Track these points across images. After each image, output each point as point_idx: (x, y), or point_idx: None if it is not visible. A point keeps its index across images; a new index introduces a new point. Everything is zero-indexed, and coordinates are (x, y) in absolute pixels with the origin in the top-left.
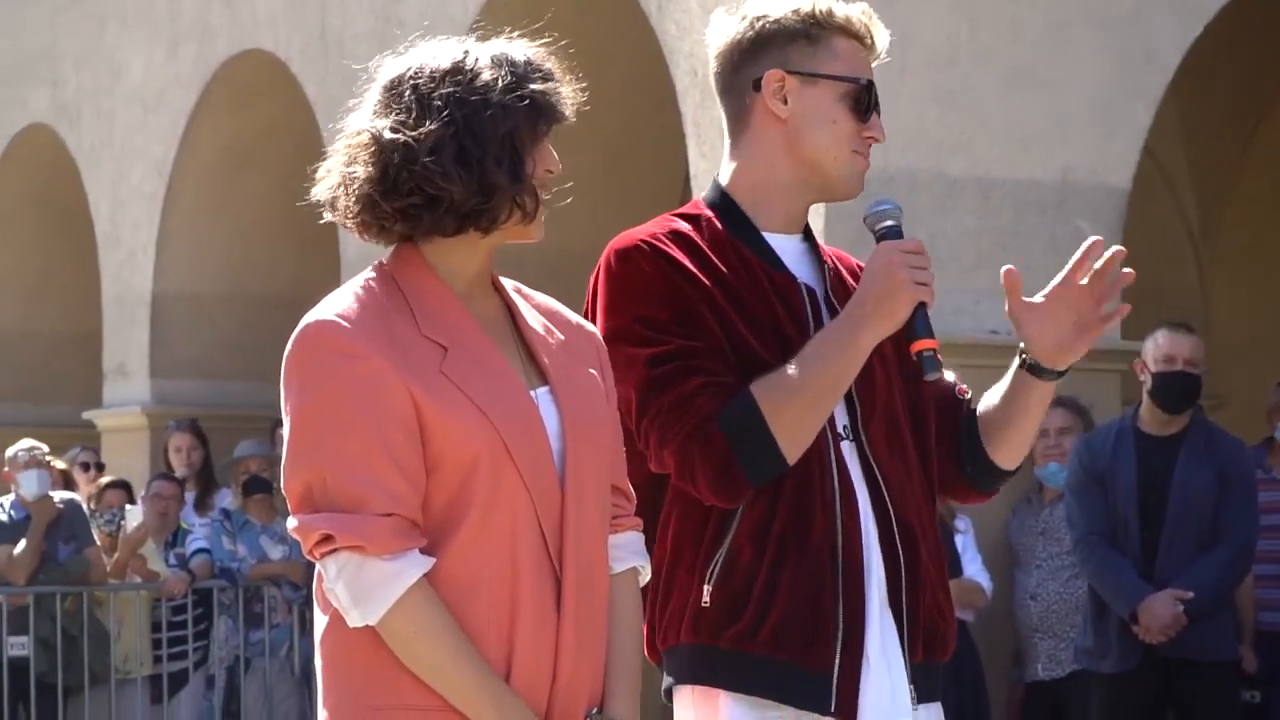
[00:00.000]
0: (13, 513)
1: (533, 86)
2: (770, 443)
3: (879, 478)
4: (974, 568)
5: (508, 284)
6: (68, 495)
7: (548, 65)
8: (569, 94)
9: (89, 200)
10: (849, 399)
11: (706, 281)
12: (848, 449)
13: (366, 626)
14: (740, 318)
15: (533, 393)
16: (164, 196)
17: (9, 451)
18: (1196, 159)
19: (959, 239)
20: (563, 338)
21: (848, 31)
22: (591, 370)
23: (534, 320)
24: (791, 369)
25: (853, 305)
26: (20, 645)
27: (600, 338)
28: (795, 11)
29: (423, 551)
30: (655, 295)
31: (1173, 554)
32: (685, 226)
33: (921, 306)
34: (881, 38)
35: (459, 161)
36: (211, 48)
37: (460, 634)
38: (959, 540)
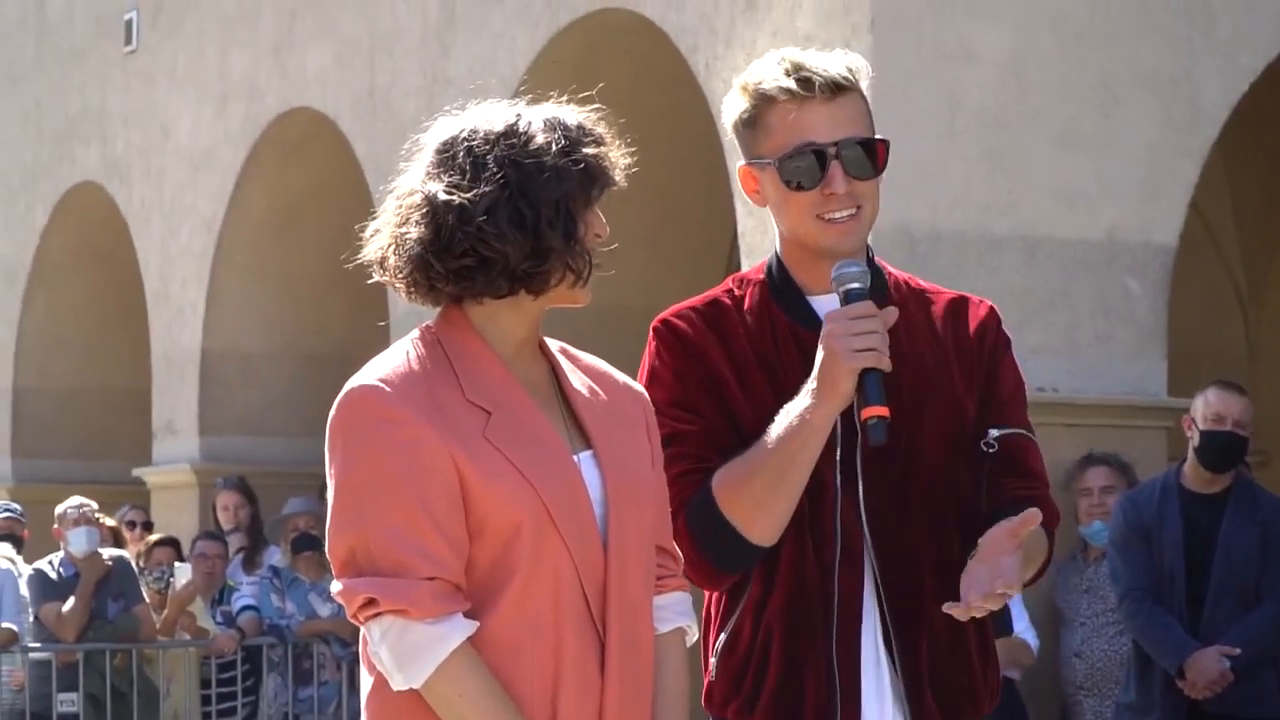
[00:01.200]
0: (62, 570)
1: (586, 151)
2: (729, 532)
3: (871, 549)
4: (1021, 624)
5: (553, 344)
6: (117, 552)
7: (599, 130)
8: (619, 159)
9: (138, 258)
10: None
11: (720, 361)
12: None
13: (411, 690)
14: (745, 394)
15: (576, 457)
16: (213, 254)
17: (58, 509)
18: (1243, 217)
19: (1005, 298)
20: (607, 399)
21: (771, 99)
22: (637, 431)
23: (579, 382)
24: (750, 454)
25: (808, 381)
26: (70, 702)
27: (647, 397)
28: (738, 92)
29: (466, 615)
30: (659, 378)
31: (1219, 611)
32: (734, 292)
33: (871, 372)
34: (821, 70)
35: (513, 223)
36: (260, 106)
37: (504, 697)
38: None
